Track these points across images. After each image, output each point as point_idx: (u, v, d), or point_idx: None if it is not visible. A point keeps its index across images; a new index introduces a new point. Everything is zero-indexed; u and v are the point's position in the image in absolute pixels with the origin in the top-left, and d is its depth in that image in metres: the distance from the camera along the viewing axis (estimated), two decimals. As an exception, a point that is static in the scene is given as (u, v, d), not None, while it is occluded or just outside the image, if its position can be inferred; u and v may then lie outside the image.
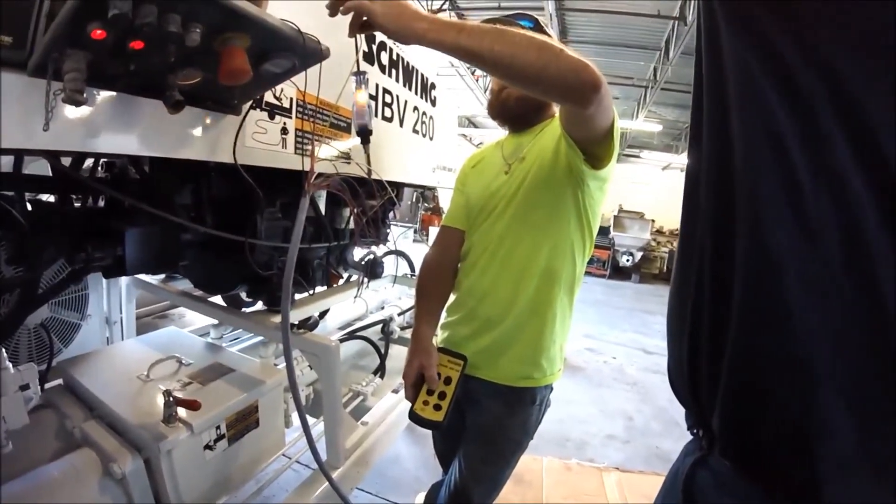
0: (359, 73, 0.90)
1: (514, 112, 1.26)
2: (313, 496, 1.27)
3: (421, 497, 1.89)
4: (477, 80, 9.64)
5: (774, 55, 0.43)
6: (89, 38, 0.57)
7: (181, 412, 1.08)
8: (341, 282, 1.99)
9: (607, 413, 3.42)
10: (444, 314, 1.34)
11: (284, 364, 1.59)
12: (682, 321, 0.60)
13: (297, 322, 1.41)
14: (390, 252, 2.42)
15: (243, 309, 1.60)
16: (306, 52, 0.75)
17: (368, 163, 0.99)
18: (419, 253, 2.35)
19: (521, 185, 1.18)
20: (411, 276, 2.66)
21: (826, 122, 0.40)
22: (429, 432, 1.37)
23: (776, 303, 0.45)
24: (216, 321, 1.89)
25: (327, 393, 1.34)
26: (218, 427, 1.14)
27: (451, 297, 1.34)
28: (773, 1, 0.43)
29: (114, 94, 0.71)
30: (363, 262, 2.08)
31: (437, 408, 1.13)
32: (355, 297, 1.83)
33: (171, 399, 1.06)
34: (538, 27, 1.23)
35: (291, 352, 0.97)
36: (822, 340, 0.42)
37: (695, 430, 0.61)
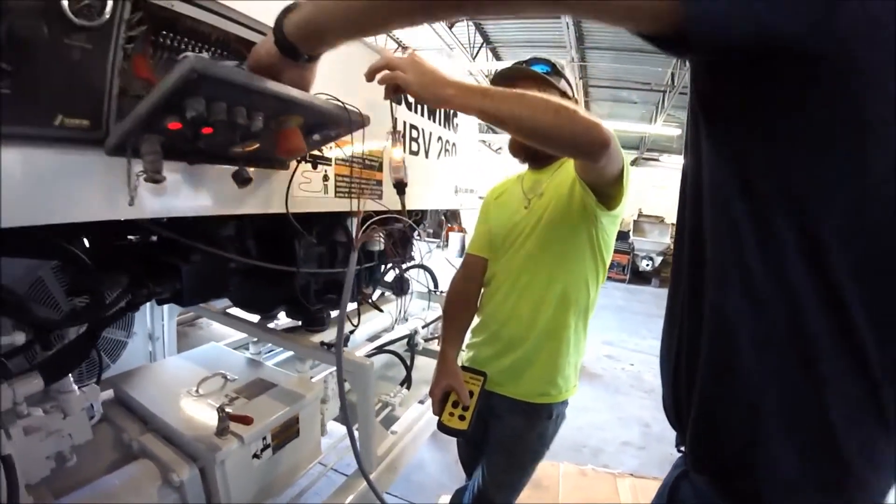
0: (394, 132, 1.02)
1: (533, 151, 1.38)
2: (349, 498, 1.40)
3: (444, 499, 2.01)
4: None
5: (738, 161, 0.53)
6: (166, 128, 0.70)
7: (232, 425, 1.21)
8: (372, 299, 2.14)
9: (624, 420, 3.49)
10: (469, 335, 1.49)
11: (322, 379, 1.73)
12: (670, 350, 0.71)
13: (329, 341, 1.55)
14: (415, 266, 2.54)
15: (270, 324, 1.75)
16: (350, 123, 0.87)
17: (404, 209, 1.11)
18: (442, 264, 2.47)
19: (540, 220, 1.30)
20: (435, 291, 2.78)
21: (777, 222, 0.50)
22: (451, 440, 1.50)
23: (733, 355, 0.55)
24: (245, 334, 2.04)
25: (362, 406, 1.46)
26: (264, 438, 1.26)
27: (476, 319, 1.48)
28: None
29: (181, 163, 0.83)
30: (393, 280, 2.22)
31: (462, 418, 1.28)
32: (396, 319, 1.96)
33: (225, 414, 1.19)
34: (555, 71, 1.34)
35: (344, 386, 1.10)
36: (768, 387, 0.53)
37: (680, 448, 0.72)
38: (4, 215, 0.62)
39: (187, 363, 1.59)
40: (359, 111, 0.88)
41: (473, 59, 8.27)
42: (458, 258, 2.57)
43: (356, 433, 1.61)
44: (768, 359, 0.53)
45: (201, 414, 1.27)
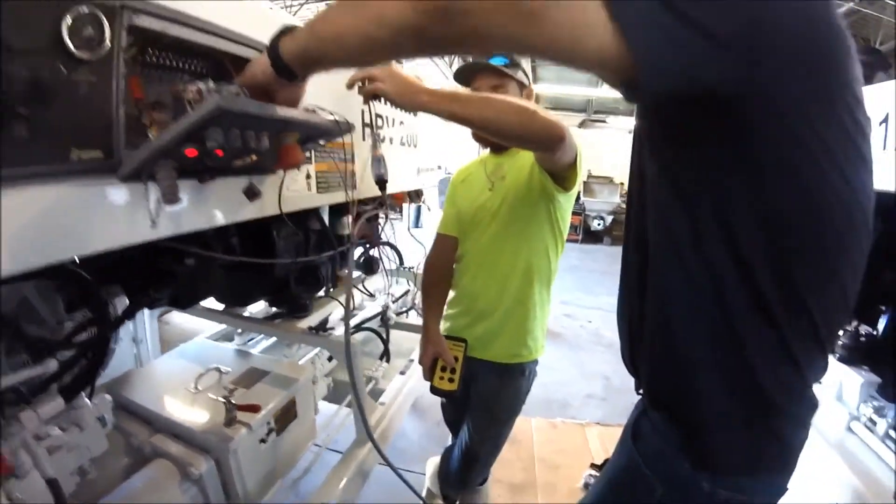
0: (374, 134, 1.10)
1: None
2: (355, 463, 1.56)
3: (430, 463, 2.18)
4: (451, 67, 9.76)
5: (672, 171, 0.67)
6: (182, 154, 0.76)
7: (239, 414, 1.29)
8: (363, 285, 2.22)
9: (586, 374, 3.76)
10: (448, 308, 1.65)
11: (309, 361, 1.80)
12: (623, 313, 0.90)
13: (326, 329, 1.64)
14: (381, 244, 2.63)
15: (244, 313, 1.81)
16: (339, 131, 0.94)
17: (384, 202, 1.20)
18: (405, 236, 2.59)
19: (503, 201, 1.44)
20: (401, 266, 2.88)
21: (702, 217, 0.64)
22: (428, 408, 1.72)
23: (672, 318, 0.73)
24: (222, 325, 2.09)
25: (352, 382, 1.57)
26: (268, 423, 1.35)
27: (451, 294, 1.64)
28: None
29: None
30: (361, 261, 2.31)
31: (451, 381, 1.52)
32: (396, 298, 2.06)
33: (233, 405, 1.27)
34: (513, 63, 1.45)
35: (356, 373, 1.21)
36: (700, 341, 0.70)
37: (639, 392, 0.90)
38: (32, 256, 0.66)
39: (179, 361, 1.63)
40: (346, 120, 0.95)
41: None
42: (414, 228, 2.69)
43: (342, 410, 1.74)
44: (699, 318, 0.69)
45: (205, 408, 1.34)
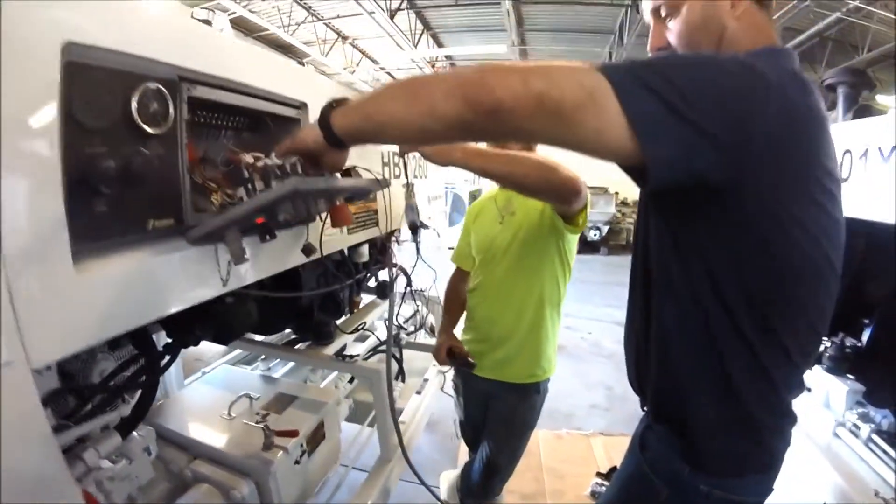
0: (408, 185, 1.22)
1: None
2: (381, 480, 1.66)
3: (444, 477, 2.28)
4: (436, 71, 9.91)
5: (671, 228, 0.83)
6: (252, 222, 0.87)
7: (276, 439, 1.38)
8: (361, 305, 2.32)
9: (589, 385, 3.86)
10: (463, 335, 1.81)
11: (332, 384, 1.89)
12: (629, 341, 1.05)
13: (345, 354, 1.74)
14: (392, 266, 2.73)
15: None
16: (380, 188, 1.06)
17: (418, 251, 1.32)
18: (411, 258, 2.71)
19: (515, 236, 1.58)
20: (411, 289, 2.98)
21: (694, 267, 0.79)
22: (438, 422, 1.85)
23: (670, 345, 0.88)
24: (239, 351, 2.19)
25: (379, 404, 1.69)
26: (301, 445, 1.45)
27: (467, 321, 1.80)
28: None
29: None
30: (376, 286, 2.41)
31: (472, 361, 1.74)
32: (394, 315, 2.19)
33: (272, 430, 1.36)
34: None
35: (394, 402, 1.31)
36: (694, 369, 0.85)
37: (644, 408, 1.04)
38: (118, 322, 0.74)
39: (209, 388, 1.73)
40: (384, 178, 1.07)
41: (415, 46, 8.33)
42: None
43: (364, 429, 1.84)
44: (692, 348, 0.85)
45: (241, 434, 1.43)
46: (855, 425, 1.81)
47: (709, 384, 0.85)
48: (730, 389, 0.83)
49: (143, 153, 0.82)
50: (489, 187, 1.94)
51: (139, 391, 1.13)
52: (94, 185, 0.72)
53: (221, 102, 1.03)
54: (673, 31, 0.92)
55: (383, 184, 1.08)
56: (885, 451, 1.63)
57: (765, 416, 0.86)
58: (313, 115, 1.27)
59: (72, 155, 0.68)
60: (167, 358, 1.16)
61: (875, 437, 1.70)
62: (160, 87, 0.84)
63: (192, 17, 1.51)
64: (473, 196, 9.45)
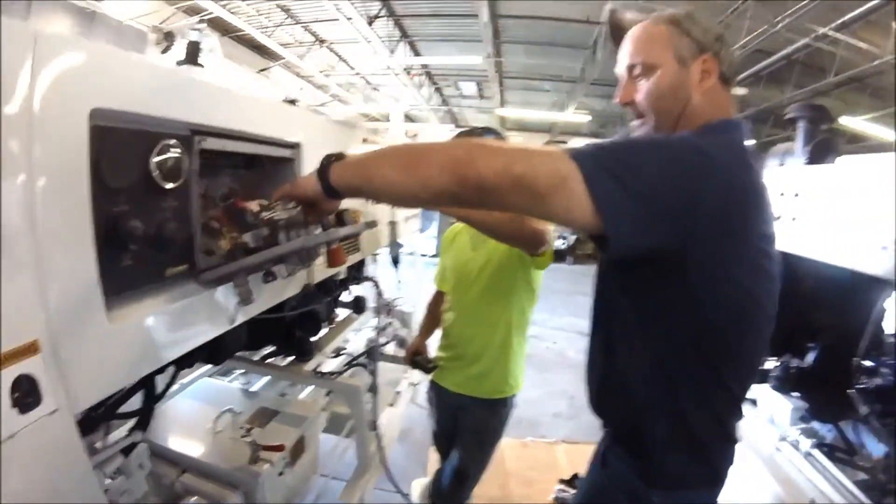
0: (392, 224, 1.35)
1: None
2: (359, 490, 1.79)
3: (415, 484, 2.41)
4: (412, 79, 9.99)
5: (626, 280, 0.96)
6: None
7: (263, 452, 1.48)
8: (337, 319, 2.42)
9: (553, 394, 4.04)
10: (440, 352, 1.97)
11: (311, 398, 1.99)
12: (592, 370, 1.16)
13: (322, 371, 1.84)
14: (366, 279, 2.83)
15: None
16: (370, 228, 1.18)
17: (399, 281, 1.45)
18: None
19: (487, 263, 1.73)
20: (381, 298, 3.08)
21: (649, 311, 0.94)
22: (409, 431, 2.40)
23: (629, 379, 1.00)
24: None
25: (357, 418, 1.81)
26: (285, 458, 1.54)
27: (443, 340, 1.96)
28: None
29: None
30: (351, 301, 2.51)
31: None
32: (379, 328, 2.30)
33: (258, 445, 1.46)
34: (498, 137, 1.73)
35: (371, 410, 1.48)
36: (648, 398, 0.98)
37: (605, 427, 1.16)
38: (142, 366, 0.84)
39: (192, 402, 1.80)
40: (374, 220, 1.19)
41: (392, 54, 8.40)
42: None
43: (342, 440, 1.95)
44: (646, 382, 0.98)
45: (228, 447, 1.52)
46: (797, 440, 1.95)
47: (662, 414, 0.97)
48: (681, 419, 0.96)
49: (161, 208, 0.92)
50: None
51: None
52: (120, 242, 0.81)
53: (227, 151, 1.13)
54: (641, 91, 0.99)
55: (372, 225, 1.20)
56: (822, 464, 1.79)
57: (711, 440, 1.00)
58: (306, 153, 1.38)
59: (100, 216, 0.77)
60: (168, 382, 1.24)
61: (814, 452, 1.86)
62: (176, 142, 0.93)
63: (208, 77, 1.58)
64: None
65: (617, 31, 1.09)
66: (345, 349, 2.72)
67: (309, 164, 1.37)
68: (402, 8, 7.76)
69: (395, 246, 1.36)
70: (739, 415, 1.04)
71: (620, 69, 1.03)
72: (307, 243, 0.87)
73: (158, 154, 0.89)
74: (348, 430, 2.15)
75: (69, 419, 0.67)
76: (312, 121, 1.52)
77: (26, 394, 0.60)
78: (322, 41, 9.26)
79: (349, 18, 7.14)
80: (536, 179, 0.77)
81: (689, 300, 0.89)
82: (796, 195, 1.79)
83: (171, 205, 0.95)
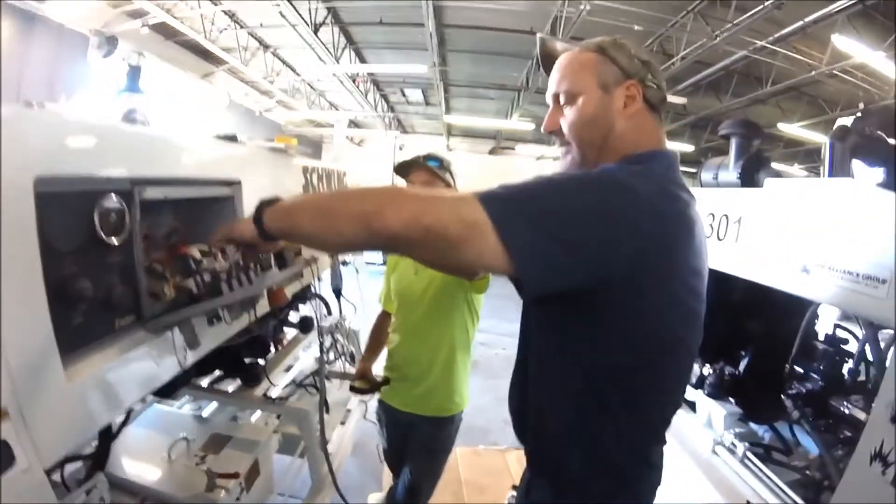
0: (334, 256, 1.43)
1: None
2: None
3: (371, 497, 2.50)
4: (357, 86, 9.99)
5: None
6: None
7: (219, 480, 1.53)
8: (285, 341, 2.46)
9: (502, 400, 4.03)
10: (386, 372, 2.04)
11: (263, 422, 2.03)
12: (512, 399, 1.15)
13: (275, 396, 1.90)
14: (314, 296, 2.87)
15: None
16: (309, 265, 1.27)
17: (340, 311, 1.53)
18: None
19: (429, 285, 1.84)
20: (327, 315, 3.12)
21: (570, 344, 0.93)
22: (363, 445, 2.47)
23: (544, 417, 1.02)
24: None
25: (308, 440, 1.89)
26: (241, 483, 1.60)
27: (389, 360, 2.03)
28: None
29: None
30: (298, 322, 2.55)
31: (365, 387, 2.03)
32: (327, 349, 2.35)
33: (214, 473, 1.51)
34: (443, 166, 1.83)
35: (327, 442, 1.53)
36: (564, 433, 0.98)
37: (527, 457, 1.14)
38: (107, 413, 0.90)
39: (145, 431, 1.82)
40: (312, 257, 1.27)
41: (337, 61, 8.37)
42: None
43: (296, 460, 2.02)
44: (564, 415, 0.97)
45: (184, 476, 1.57)
46: (732, 444, 2.01)
47: (580, 445, 0.96)
48: (599, 449, 0.94)
49: (107, 264, 0.96)
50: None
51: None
52: (72, 303, 0.86)
53: (169, 199, 1.19)
54: (566, 119, 0.99)
55: (311, 261, 1.28)
56: (757, 466, 1.85)
57: (631, 468, 0.98)
58: (246, 187, 1.44)
59: (51, 279, 0.80)
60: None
61: (749, 454, 1.91)
62: (117, 197, 0.97)
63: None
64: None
65: (547, 60, 1.08)
66: (293, 366, 2.77)
67: (248, 199, 1.42)
68: (348, 15, 7.75)
69: (337, 277, 1.43)
70: (660, 442, 1.03)
71: (548, 97, 1.03)
72: (247, 293, 0.95)
73: (101, 211, 0.93)
74: (301, 450, 2.21)
75: (40, 473, 0.73)
76: (250, 156, 1.59)
77: (1, 456, 0.66)
78: (266, 46, 9.13)
79: (294, 25, 7.07)
80: (446, 230, 0.76)
81: (607, 337, 0.87)
82: (725, 216, 1.84)
83: (117, 259, 0.98)
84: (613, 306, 0.84)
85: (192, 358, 1.13)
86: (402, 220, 0.77)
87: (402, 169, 1.89)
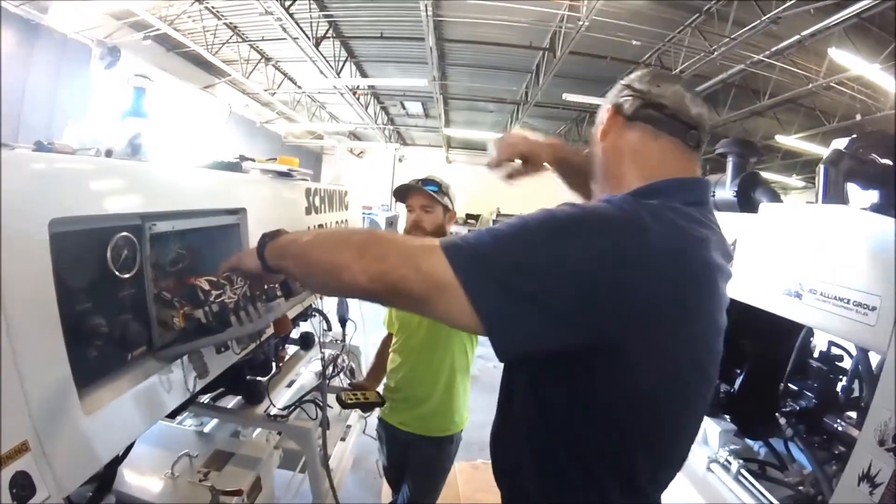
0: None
1: None
2: None
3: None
4: (358, 98, 10.08)
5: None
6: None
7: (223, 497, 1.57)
8: (286, 357, 2.50)
9: (502, 412, 4.16)
10: (387, 392, 2.08)
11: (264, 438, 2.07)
12: (493, 443, 1.14)
13: (277, 413, 1.94)
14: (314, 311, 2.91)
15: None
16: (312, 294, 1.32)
17: (344, 339, 1.58)
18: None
19: None
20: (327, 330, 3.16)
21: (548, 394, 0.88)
22: (361, 460, 2.49)
23: (508, 447, 1.04)
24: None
25: (309, 457, 1.92)
26: (244, 500, 1.64)
27: (390, 382, 2.07)
28: None
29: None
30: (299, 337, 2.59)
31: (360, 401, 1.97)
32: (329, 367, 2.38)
33: (218, 490, 1.55)
34: (441, 190, 1.87)
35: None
36: (533, 456, 0.92)
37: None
38: (120, 442, 0.95)
39: (148, 448, 1.85)
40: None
41: (338, 74, 8.47)
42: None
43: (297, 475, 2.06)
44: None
45: (188, 493, 1.60)
46: (727, 461, 2.05)
47: (546, 472, 0.90)
48: (568, 476, 0.86)
49: (120, 296, 1.01)
50: (405, 213, 2.17)
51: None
52: (87, 339, 0.90)
53: (177, 230, 1.24)
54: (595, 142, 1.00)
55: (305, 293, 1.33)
56: (751, 483, 1.89)
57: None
58: (251, 214, 1.49)
59: (66, 316, 0.84)
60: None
61: (743, 472, 1.96)
62: (129, 234, 1.01)
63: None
64: (390, 222, 9.67)
65: None
66: (295, 381, 2.81)
67: (254, 226, 1.48)
68: (349, 29, 7.86)
69: (343, 306, 1.48)
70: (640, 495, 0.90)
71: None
72: (256, 327, 1.00)
73: (113, 247, 0.97)
74: (302, 465, 2.25)
75: (59, 502, 0.78)
76: (254, 183, 1.64)
77: (22, 487, 0.70)
78: (268, 59, 9.24)
79: (295, 38, 7.17)
80: (411, 287, 0.74)
81: (589, 408, 0.80)
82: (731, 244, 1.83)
83: (128, 292, 1.03)
84: (600, 372, 0.76)
85: (200, 384, 1.18)
86: (368, 276, 0.77)
87: (400, 193, 1.93)
